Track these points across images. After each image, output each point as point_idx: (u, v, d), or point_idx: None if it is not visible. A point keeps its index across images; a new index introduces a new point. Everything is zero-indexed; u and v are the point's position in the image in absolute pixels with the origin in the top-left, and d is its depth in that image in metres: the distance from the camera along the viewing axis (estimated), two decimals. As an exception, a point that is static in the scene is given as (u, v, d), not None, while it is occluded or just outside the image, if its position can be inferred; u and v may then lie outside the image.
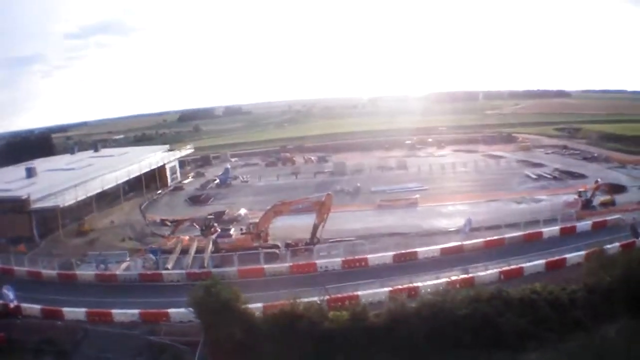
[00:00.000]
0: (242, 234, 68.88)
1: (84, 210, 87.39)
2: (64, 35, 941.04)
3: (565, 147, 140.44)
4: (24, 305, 50.99)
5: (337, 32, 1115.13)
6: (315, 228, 65.79)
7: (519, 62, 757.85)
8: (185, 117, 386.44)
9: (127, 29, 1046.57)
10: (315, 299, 43.41)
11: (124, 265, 63.87)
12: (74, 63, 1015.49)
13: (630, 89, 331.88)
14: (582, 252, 52.85)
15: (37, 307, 50.73)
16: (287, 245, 65.11)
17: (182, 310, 45.99)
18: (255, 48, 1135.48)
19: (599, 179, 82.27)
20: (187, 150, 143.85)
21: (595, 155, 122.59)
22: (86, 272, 62.34)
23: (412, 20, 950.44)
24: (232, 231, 70.75)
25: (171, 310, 47.68)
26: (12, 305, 50.44)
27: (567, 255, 53.61)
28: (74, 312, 49.55)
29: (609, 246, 50.37)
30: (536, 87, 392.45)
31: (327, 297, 44.90)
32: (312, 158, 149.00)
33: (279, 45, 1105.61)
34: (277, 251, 64.09)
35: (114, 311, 48.91)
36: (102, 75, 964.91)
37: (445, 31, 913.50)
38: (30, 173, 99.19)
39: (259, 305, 45.05)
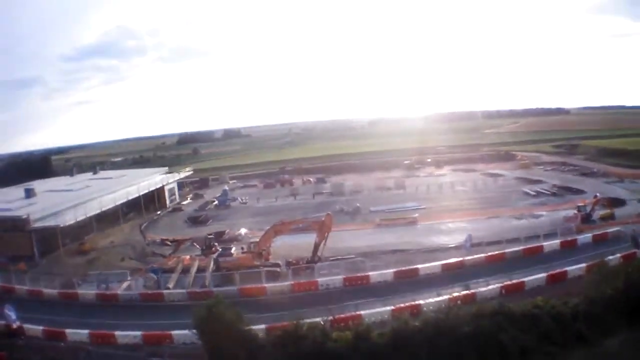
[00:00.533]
0: (243, 252, 68.90)
1: (83, 231, 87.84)
2: (62, 57, 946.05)
3: (564, 163, 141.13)
4: (27, 325, 50.60)
5: (336, 55, 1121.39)
6: (316, 247, 65.76)
7: (517, 81, 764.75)
8: (184, 140, 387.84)
9: (125, 51, 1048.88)
10: (319, 319, 43.27)
11: (125, 284, 63.75)
12: (72, 86, 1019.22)
13: (629, 104, 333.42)
14: (583, 265, 53.06)
15: (39, 327, 50.32)
16: (289, 264, 65.09)
17: (185, 332, 45.68)
18: (254, 71, 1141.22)
19: (597, 194, 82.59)
20: (186, 173, 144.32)
21: (594, 170, 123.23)
22: (87, 291, 62.20)
23: (411, 42, 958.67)
24: (233, 250, 70.82)
25: (174, 332, 47.26)
26: (14, 325, 50.12)
27: (568, 268, 53.60)
28: (77, 334, 48.95)
29: (610, 257, 50.53)
30: (535, 105, 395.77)
31: (330, 317, 44.78)
32: (311, 179, 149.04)
33: (278, 69, 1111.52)
34: (278, 270, 63.99)
35: (117, 333, 48.38)
36: (100, 97, 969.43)
37: (443, 52, 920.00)
38: (30, 194, 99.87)
39: (262, 326, 44.93)
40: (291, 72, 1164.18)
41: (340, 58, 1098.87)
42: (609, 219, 74.49)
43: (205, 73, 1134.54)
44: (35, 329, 50.39)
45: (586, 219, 74.26)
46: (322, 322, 42.79)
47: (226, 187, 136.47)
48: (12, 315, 50.41)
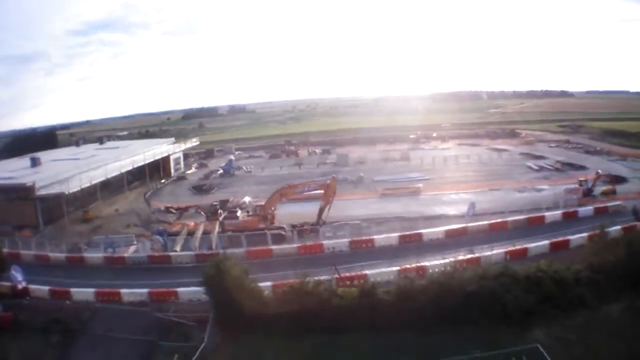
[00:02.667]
0: (248, 216, 69.50)
1: (88, 199, 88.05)
2: (66, 32, 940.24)
3: (567, 141, 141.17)
4: (32, 286, 51.17)
5: (341, 33, 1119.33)
6: (321, 210, 66.35)
7: (523, 63, 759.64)
8: (189, 115, 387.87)
9: (131, 25, 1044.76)
10: (324, 277, 43.77)
11: (132, 248, 64.33)
12: (76, 61, 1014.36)
13: (633, 89, 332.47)
14: (585, 234, 53.25)
15: (45, 288, 50.88)
16: (294, 227, 65.61)
17: (191, 289, 46.58)
18: (259, 48, 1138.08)
19: (599, 170, 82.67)
20: (192, 143, 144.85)
21: (597, 149, 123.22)
22: (94, 254, 62.58)
23: (417, 21, 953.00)
24: (238, 213, 71.23)
25: (180, 290, 48.03)
26: (20, 286, 50.55)
27: (571, 237, 53.98)
28: (83, 293, 49.63)
29: (611, 229, 50.60)
30: (540, 87, 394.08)
31: (336, 275, 45.24)
32: (316, 150, 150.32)
33: (283, 46, 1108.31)
34: (283, 233, 64.52)
35: (122, 291, 49.06)
36: (105, 73, 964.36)
37: (449, 31, 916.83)
38: (35, 163, 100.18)
39: (268, 284, 45.61)
40: (296, 49, 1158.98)
41: (346, 36, 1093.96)
42: (610, 194, 74.67)
43: (210, 49, 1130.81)
44: (41, 289, 51.01)
45: (587, 194, 74.58)
46: (328, 280, 43.34)
47: (231, 157, 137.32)
48: (19, 276, 50.88)
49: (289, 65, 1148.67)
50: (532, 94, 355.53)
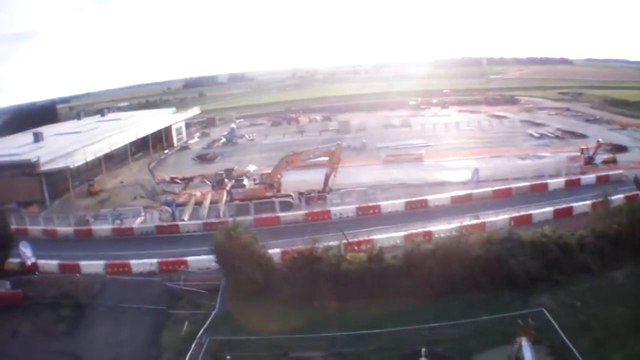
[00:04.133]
0: (255, 184, 70.15)
1: (92, 172, 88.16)
2: (64, 3, 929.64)
3: (568, 109, 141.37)
4: (41, 262, 51.36)
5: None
6: (327, 177, 66.95)
7: (522, 29, 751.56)
8: (190, 84, 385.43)
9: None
10: (332, 243, 44.22)
11: (139, 219, 64.83)
12: (75, 31, 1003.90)
13: (632, 59, 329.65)
14: (588, 202, 53.95)
15: (55, 262, 51.26)
16: (301, 194, 66.21)
17: (200, 257, 47.36)
18: (258, 15, 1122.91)
19: (600, 139, 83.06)
20: (193, 112, 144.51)
21: (598, 117, 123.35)
22: (102, 227, 62.94)
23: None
24: (245, 182, 71.95)
25: (189, 258, 48.66)
26: (29, 262, 50.57)
27: (574, 204, 54.63)
28: (92, 265, 50.08)
29: (613, 197, 50.82)
30: (539, 54, 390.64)
31: (344, 240, 45.68)
32: (317, 118, 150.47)
33: (282, 12, 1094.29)
34: (291, 200, 65.21)
35: (132, 262, 49.67)
36: (103, 43, 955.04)
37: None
38: (38, 138, 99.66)
39: (277, 250, 46.34)
40: (295, 15, 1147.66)
41: (345, 1, 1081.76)
42: (611, 163, 75.20)
43: (208, 16, 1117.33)
44: (50, 264, 51.31)
45: (589, 162, 75.23)
46: (336, 245, 43.82)
47: (233, 125, 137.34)
48: (28, 252, 50.76)
49: (288, 32, 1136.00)
50: (532, 61, 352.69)
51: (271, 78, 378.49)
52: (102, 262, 50.05)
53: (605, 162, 75.72)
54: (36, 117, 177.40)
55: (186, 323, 39.93)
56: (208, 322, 38.70)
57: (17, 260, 50.93)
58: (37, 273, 50.43)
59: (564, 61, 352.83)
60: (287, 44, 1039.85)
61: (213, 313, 39.81)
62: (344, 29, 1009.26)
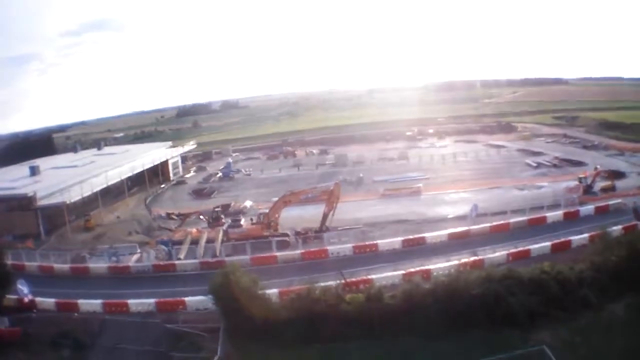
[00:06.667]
0: (252, 224, 69.56)
1: (89, 206, 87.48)
2: (59, 32, 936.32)
3: (565, 135, 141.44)
4: (39, 299, 50.93)
5: (332, 25, 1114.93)
6: (324, 216, 66.54)
7: (516, 50, 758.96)
8: (183, 112, 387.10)
9: (122, 25, 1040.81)
10: (330, 283, 44.17)
11: (135, 257, 64.30)
12: (70, 60, 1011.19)
13: (627, 76, 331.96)
14: (586, 235, 54.07)
15: (52, 300, 50.81)
16: (297, 234, 65.90)
17: (198, 298, 46.87)
18: (250, 42, 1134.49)
19: (598, 166, 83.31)
20: (190, 146, 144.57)
21: (595, 143, 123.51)
22: (98, 264, 62.66)
23: (409, 10, 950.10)
24: (242, 221, 71.65)
25: (188, 299, 48.24)
26: (26, 299, 50.30)
27: (572, 238, 54.57)
28: (90, 304, 49.60)
29: (612, 229, 51.09)
30: (534, 75, 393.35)
31: (342, 280, 45.48)
32: (314, 151, 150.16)
33: (274, 39, 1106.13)
34: (287, 239, 64.72)
35: (130, 301, 49.23)
36: (97, 72, 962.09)
37: (441, 21, 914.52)
38: (34, 171, 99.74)
39: (275, 291, 46.04)
40: (287, 42, 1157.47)
41: (337, 27, 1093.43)
42: (610, 190, 75.33)
43: (201, 44, 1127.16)
44: (47, 301, 50.80)
45: (587, 190, 75.33)
46: (334, 286, 43.71)
47: (230, 160, 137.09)
48: (25, 289, 50.61)
49: (281, 58, 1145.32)
50: (526, 82, 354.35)
51: (265, 105, 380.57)
52: (99, 301, 49.61)
53: (603, 189, 75.93)
54: (33, 147, 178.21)
55: (188, 366, 39.55)
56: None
57: (14, 296, 50.53)
58: (34, 311, 49.88)
59: (558, 81, 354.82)
60: (280, 69, 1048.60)
61: (216, 357, 39.14)
62: (337, 54, 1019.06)
